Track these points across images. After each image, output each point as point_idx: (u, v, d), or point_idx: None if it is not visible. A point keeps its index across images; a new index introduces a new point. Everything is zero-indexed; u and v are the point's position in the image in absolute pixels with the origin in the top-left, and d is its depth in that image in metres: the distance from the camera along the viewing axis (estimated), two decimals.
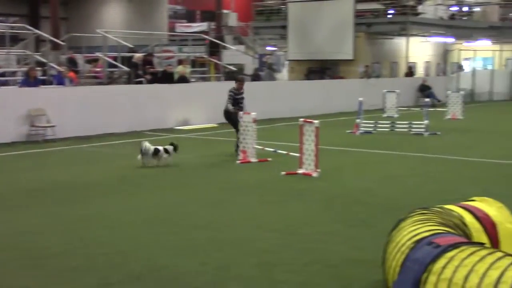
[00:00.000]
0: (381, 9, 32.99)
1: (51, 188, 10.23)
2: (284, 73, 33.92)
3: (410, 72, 32.70)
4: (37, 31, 23.49)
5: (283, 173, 11.36)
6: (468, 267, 4.28)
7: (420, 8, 33.32)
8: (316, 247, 6.88)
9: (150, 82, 20.30)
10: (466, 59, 38.79)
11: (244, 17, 39.11)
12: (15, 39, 25.62)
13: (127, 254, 6.59)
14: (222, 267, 6.20)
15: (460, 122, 22.29)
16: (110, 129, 17.64)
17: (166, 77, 20.60)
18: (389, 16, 32.64)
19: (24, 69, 19.00)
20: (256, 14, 36.76)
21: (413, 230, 5.06)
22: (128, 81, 20.26)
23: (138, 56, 21.47)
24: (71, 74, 19.60)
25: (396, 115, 23.30)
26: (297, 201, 9.25)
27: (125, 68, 20.40)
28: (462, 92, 25.18)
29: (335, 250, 6.79)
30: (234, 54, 28.92)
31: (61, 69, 19.50)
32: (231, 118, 13.72)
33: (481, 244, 4.72)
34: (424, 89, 29.96)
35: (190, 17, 42.71)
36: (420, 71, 35.22)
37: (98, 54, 21.90)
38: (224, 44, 29.52)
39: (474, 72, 35.61)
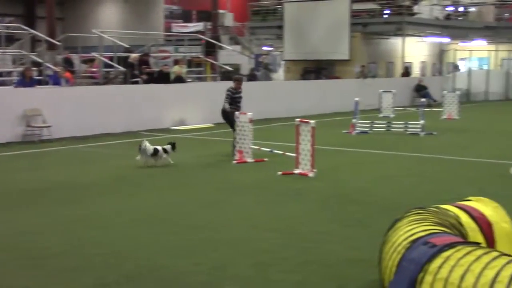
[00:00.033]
0: (377, 9, 33.03)
1: (47, 188, 10.21)
2: (280, 73, 33.93)
3: (406, 72, 32.75)
4: (33, 31, 23.48)
5: (280, 173, 11.37)
6: (464, 267, 4.29)
7: (415, 8, 33.38)
8: (312, 247, 6.89)
9: (146, 82, 20.28)
10: (461, 59, 38.87)
11: (240, 17, 39.10)
12: (10, 39, 25.61)
13: (123, 254, 6.59)
14: (218, 267, 6.21)
15: (456, 122, 22.33)
16: (106, 129, 17.62)
17: (162, 77, 20.58)
18: (385, 16, 32.69)
19: (20, 69, 18.98)
20: (252, 14, 36.78)
21: (409, 230, 5.07)
22: (124, 81, 20.24)
23: (134, 56, 21.45)
24: (67, 74, 19.56)
25: (392, 115, 23.33)
26: (293, 201, 9.26)
27: (121, 68, 20.38)
28: (458, 92, 25.24)
29: (331, 250, 6.80)
30: (230, 54, 28.92)
31: (57, 69, 19.47)
32: (229, 118, 13.72)
33: (477, 244, 4.73)
34: (420, 89, 30.01)
35: (186, 17, 42.65)
36: (416, 71, 35.27)
37: (94, 54, 21.87)
38: (220, 44, 29.50)
39: (469, 72, 35.69)
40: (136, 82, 20.19)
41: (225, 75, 24.87)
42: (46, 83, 18.69)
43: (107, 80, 20.54)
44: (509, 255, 4.41)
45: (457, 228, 5.35)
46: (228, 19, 38.10)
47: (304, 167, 11.24)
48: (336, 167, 12.40)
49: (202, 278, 5.90)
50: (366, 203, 9.11)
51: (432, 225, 5.09)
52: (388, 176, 11.44)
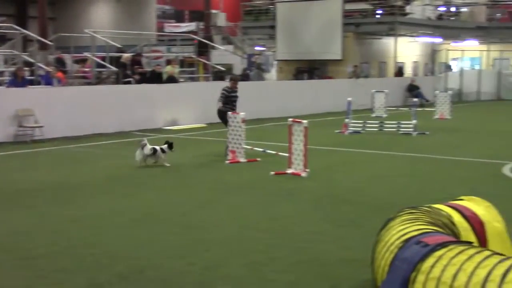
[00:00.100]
0: (369, 9, 33.10)
1: (39, 188, 10.18)
2: (272, 73, 33.95)
3: (400, 72, 32.81)
4: (24, 31, 23.35)
5: (272, 173, 11.37)
6: (456, 266, 4.30)
7: (408, 8, 33.47)
8: (305, 246, 6.89)
9: (139, 82, 20.25)
10: (454, 59, 38.99)
11: (232, 17, 39.12)
12: (2, 39, 25.52)
13: (115, 255, 6.57)
14: (210, 267, 6.20)
15: (448, 121, 22.39)
16: (98, 129, 17.58)
17: (154, 77, 20.55)
18: (377, 16, 32.75)
19: (12, 69, 18.88)
20: (244, 14, 36.78)
21: (401, 229, 5.08)
22: (117, 81, 20.19)
23: (126, 56, 21.41)
24: (59, 74, 19.51)
25: (384, 115, 23.37)
26: (286, 201, 9.25)
27: (114, 68, 20.32)
28: (450, 92, 25.31)
29: (324, 249, 6.80)
30: (222, 54, 28.92)
31: (49, 69, 19.41)
32: (224, 118, 13.69)
33: (469, 243, 4.74)
34: (413, 89, 30.08)
35: (178, 17, 42.64)
36: (408, 71, 35.36)
37: (86, 54, 21.81)
38: (212, 44, 29.49)
39: (461, 72, 35.80)
40: (129, 82, 20.14)
41: (218, 75, 24.87)
42: (38, 83, 18.63)
43: (99, 80, 20.48)
44: (501, 254, 4.43)
45: (450, 228, 5.36)
46: (220, 19, 38.12)
47: (297, 167, 11.25)
48: (328, 167, 12.41)
49: (195, 278, 5.89)
50: (359, 203, 9.12)
51: (424, 225, 5.10)
52: (380, 175, 11.46)
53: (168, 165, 12.20)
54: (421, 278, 4.42)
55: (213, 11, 37.18)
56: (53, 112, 16.69)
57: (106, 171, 11.84)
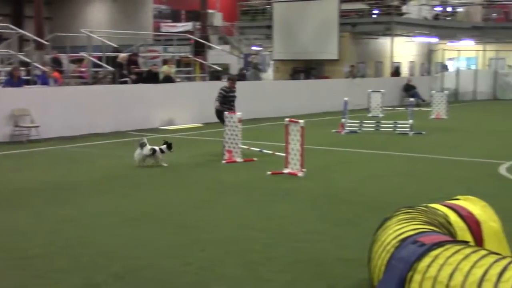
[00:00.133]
0: (365, 9, 33.12)
1: (35, 188, 10.16)
2: (269, 73, 33.95)
3: (397, 72, 32.84)
4: (20, 30, 23.31)
5: (269, 173, 11.37)
6: (452, 266, 4.30)
7: (404, 8, 33.50)
8: (302, 246, 6.89)
9: (135, 82, 20.23)
10: (450, 59, 39.04)
11: (229, 17, 39.09)
12: None
13: (111, 255, 6.56)
14: (207, 266, 6.20)
15: (444, 121, 22.42)
16: (94, 129, 17.56)
17: (151, 77, 20.53)
18: (373, 16, 32.77)
19: (8, 69, 18.85)
20: (241, 14, 36.77)
21: (398, 229, 5.08)
22: (113, 81, 20.17)
23: (123, 56, 21.38)
24: (56, 74, 19.47)
25: (381, 115, 23.38)
26: (282, 201, 9.26)
27: (110, 68, 20.30)
28: (446, 92, 25.34)
29: (321, 249, 6.80)
30: (219, 54, 28.89)
31: (45, 69, 19.37)
32: (222, 117, 13.67)
33: (466, 243, 4.75)
34: (409, 89, 30.11)
35: (175, 17, 42.62)
36: (404, 71, 35.40)
37: (82, 54, 21.78)
38: (209, 44, 29.48)
39: (458, 72, 35.85)
40: (125, 82, 20.13)
41: (214, 75, 24.86)
42: (34, 83, 18.60)
43: (95, 80, 20.46)
44: (497, 254, 4.44)
45: (446, 227, 5.37)
46: (217, 19, 38.09)
47: (294, 167, 11.25)
48: (325, 166, 12.41)
49: (191, 278, 5.89)
50: (355, 203, 9.13)
51: (421, 224, 5.11)
52: (377, 175, 11.47)
53: (165, 165, 12.19)
54: (417, 277, 4.43)
55: (210, 11, 37.16)
56: (50, 112, 16.66)
57: (103, 171, 11.82)
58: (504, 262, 4.19)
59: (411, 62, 36.64)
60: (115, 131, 17.89)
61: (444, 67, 37.76)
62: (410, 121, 18.03)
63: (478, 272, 4.16)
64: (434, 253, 4.48)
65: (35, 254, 6.60)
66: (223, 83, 14.49)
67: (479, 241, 5.48)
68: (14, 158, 13.83)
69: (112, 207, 8.85)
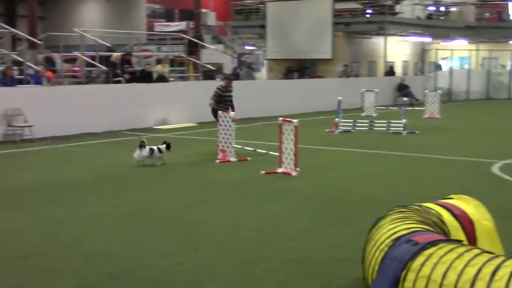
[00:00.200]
0: (359, 9, 33.16)
1: (29, 188, 10.14)
2: (263, 72, 33.96)
3: (391, 71, 32.90)
4: (13, 29, 23.21)
5: (263, 172, 11.37)
6: (446, 264, 4.32)
7: (397, 8, 33.57)
8: (296, 245, 6.90)
9: (129, 81, 20.20)
10: (443, 58, 39.14)
11: (222, 17, 39.05)
12: None
13: (106, 254, 6.56)
14: (201, 266, 6.20)
15: (438, 121, 22.48)
16: (88, 128, 17.52)
17: (144, 77, 20.51)
18: (367, 15, 32.82)
19: (1, 68, 18.77)
20: (234, 13, 36.77)
21: (392, 228, 5.10)
22: (106, 81, 20.13)
23: (116, 55, 21.34)
24: (49, 73, 19.42)
25: (374, 114, 23.43)
26: (276, 200, 9.26)
27: (103, 68, 20.26)
28: (439, 91, 25.40)
29: (314, 248, 6.82)
30: (213, 53, 28.87)
31: (39, 68, 19.31)
32: (217, 116, 13.66)
33: (459, 242, 4.77)
34: (402, 88, 30.16)
35: (168, 16, 42.53)
36: (398, 71, 35.48)
37: (76, 53, 21.72)
38: (202, 43, 29.44)
39: (451, 71, 35.94)
40: (119, 82, 20.09)
41: (208, 75, 24.85)
42: (28, 82, 18.53)
43: (89, 79, 20.41)
44: (490, 253, 4.46)
45: (439, 226, 5.39)
46: (210, 18, 38.03)
47: (287, 166, 11.26)
48: (319, 166, 12.43)
49: (186, 277, 5.89)
50: (349, 202, 9.15)
51: (414, 223, 5.12)
52: (370, 174, 11.49)
53: (158, 164, 12.19)
54: (411, 276, 4.45)
55: (203, 10, 37.07)
56: (43, 111, 16.62)
57: (97, 171, 11.81)
58: (497, 261, 4.21)
59: (405, 61, 36.72)
60: (108, 130, 17.86)
61: (438, 67, 37.85)
62: (404, 121, 18.07)
63: (471, 271, 4.18)
64: (427, 252, 4.50)
65: (29, 254, 6.59)
66: (217, 82, 14.48)
67: (472, 240, 5.51)
68: (7, 158, 13.80)
69: (106, 207, 8.84)
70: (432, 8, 37.41)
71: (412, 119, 20.01)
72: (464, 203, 5.82)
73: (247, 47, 37.41)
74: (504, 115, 25.59)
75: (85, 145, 15.43)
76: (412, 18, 34.09)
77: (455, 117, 24.19)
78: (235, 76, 25.32)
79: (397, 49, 34.60)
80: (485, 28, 36.16)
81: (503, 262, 4.18)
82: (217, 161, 12.78)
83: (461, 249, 4.45)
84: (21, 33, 22.61)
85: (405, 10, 33.87)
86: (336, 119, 18.50)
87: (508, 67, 37.24)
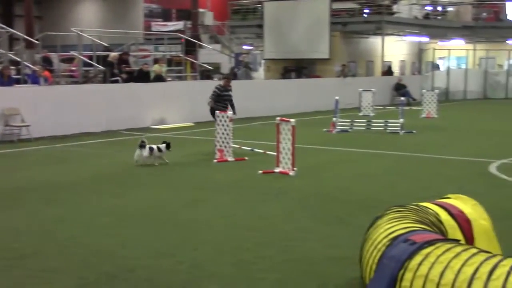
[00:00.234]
0: (356, 9, 33.19)
1: (27, 188, 10.13)
2: (260, 72, 33.96)
3: (389, 71, 32.91)
4: (10, 29, 23.20)
5: (260, 172, 11.38)
6: (443, 264, 4.33)
7: (395, 8, 33.60)
8: (293, 245, 6.90)
9: (126, 81, 20.18)
10: (440, 58, 39.18)
11: (220, 16, 39.05)
12: None
13: (104, 254, 6.56)
14: (198, 265, 6.20)
15: (435, 120, 22.50)
16: (85, 128, 17.51)
17: (142, 76, 20.49)
18: (364, 15, 32.85)
19: None
20: (232, 13, 36.76)
21: (389, 227, 5.11)
22: (104, 80, 20.11)
23: (113, 55, 21.32)
24: (46, 73, 19.40)
25: (372, 114, 23.46)
26: (274, 200, 9.27)
27: (101, 67, 20.25)
28: (436, 91, 25.42)
29: (312, 248, 6.82)
30: (210, 53, 28.88)
31: (36, 68, 19.30)
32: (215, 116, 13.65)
33: (456, 241, 4.78)
34: (400, 88, 30.20)
35: (166, 16, 42.49)
36: (395, 70, 35.51)
37: (73, 53, 21.70)
38: (200, 43, 29.42)
39: (448, 71, 35.98)
40: (116, 81, 20.07)
41: (205, 74, 24.84)
42: (25, 82, 18.53)
43: (86, 79, 20.39)
44: (487, 252, 4.47)
45: (437, 226, 5.40)
46: (208, 18, 38.03)
47: (285, 166, 11.26)
48: (316, 165, 12.44)
49: (183, 277, 5.89)
50: (347, 201, 9.16)
51: (412, 223, 5.13)
52: (368, 174, 11.50)
53: (157, 164, 12.19)
54: (408, 275, 4.46)
55: (201, 10, 37.08)
56: (40, 111, 16.61)
57: (94, 170, 11.80)
58: (495, 260, 4.22)
59: (402, 61, 36.75)
60: (106, 130, 17.85)
61: (435, 66, 37.88)
62: (401, 120, 18.08)
63: (468, 270, 4.19)
64: (425, 251, 4.51)
65: (27, 253, 6.58)
66: (215, 82, 14.47)
67: (469, 239, 5.52)
68: (5, 158, 13.78)
69: (104, 206, 8.84)
70: (429, 8, 37.45)
71: (410, 118, 20.04)
72: (461, 203, 5.83)
73: (245, 47, 37.42)
74: (501, 114, 25.62)
75: (82, 145, 15.42)
76: (410, 18, 34.14)
77: (453, 116, 24.21)
78: (233, 75, 25.34)
79: (394, 49, 34.63)
80: (482, 28, 36.21)
81: (500, 261, 4.19)
82: (215, 160, 12.78)
83: (458, 249, 4.46)
84: (18, 33, 22.57)
85: (403, 10, 33.92)
86: (334, 119, 18.50)
87: (505, 67, 37.28)
